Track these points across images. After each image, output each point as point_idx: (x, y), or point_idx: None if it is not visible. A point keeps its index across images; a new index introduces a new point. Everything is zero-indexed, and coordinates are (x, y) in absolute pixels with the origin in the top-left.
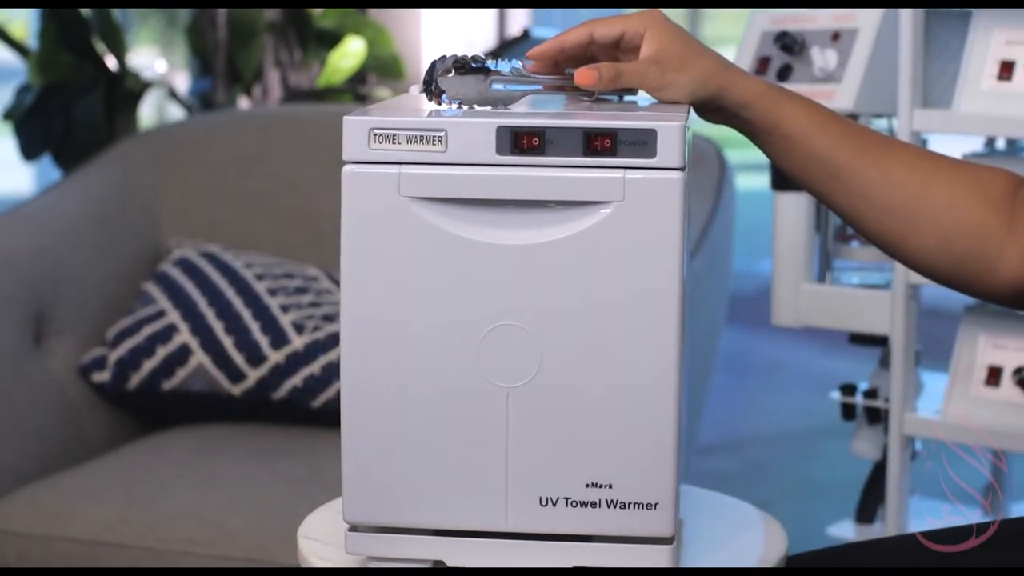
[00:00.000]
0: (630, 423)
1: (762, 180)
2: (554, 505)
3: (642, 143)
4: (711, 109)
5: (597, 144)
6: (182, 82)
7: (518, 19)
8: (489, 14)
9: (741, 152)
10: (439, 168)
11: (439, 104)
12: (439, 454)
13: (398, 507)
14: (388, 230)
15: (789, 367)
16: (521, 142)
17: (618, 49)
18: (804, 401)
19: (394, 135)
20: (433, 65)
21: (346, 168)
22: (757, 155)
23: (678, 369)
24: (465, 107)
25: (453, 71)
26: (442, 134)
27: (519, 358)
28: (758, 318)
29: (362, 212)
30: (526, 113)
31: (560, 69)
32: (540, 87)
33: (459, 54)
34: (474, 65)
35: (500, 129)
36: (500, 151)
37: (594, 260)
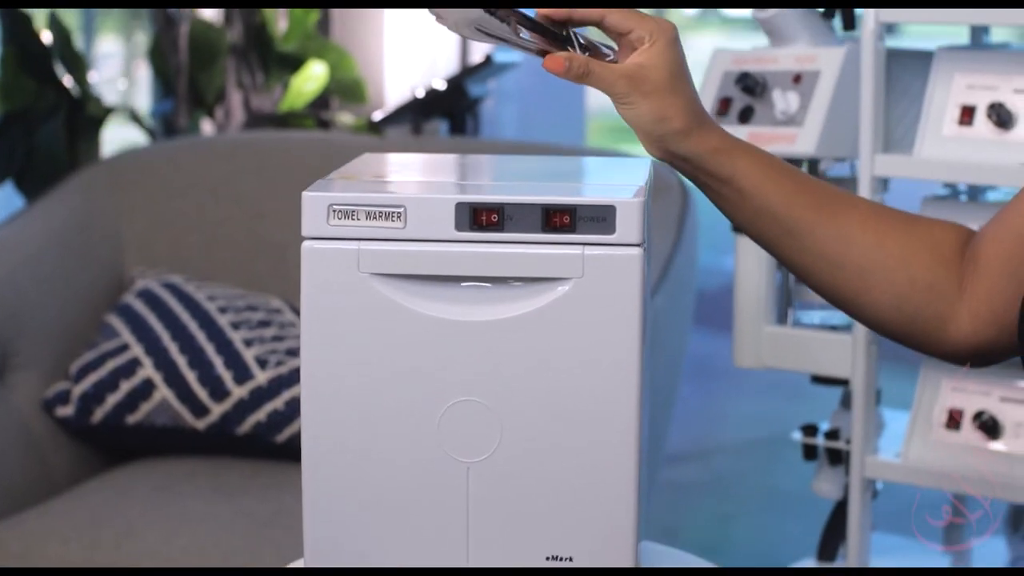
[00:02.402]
0: (590, 497)
1: None
2: None
3: (601, 219)
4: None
5: (556, 220)
6: (145, 83)
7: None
8: (452, 37)
9: None
10: (398, 244)
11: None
12: (400, 527)
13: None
14: (348, 305)
15: (755, 370)
16: (480, 218)
17: (620, 37)
18: (770, 407)
19: (353, 211)
20: None
21: (305, 244)
22: None
23: (637, 442)
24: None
25: None
26: (401, 210)
27: (479, 433)
28: (723, 317)
29: (322, 287)
30: (485, 186)
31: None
32: (525, 39)
33: None
34: None
35: (459, 205)
36: (459, 227)
37: (553, 336)
